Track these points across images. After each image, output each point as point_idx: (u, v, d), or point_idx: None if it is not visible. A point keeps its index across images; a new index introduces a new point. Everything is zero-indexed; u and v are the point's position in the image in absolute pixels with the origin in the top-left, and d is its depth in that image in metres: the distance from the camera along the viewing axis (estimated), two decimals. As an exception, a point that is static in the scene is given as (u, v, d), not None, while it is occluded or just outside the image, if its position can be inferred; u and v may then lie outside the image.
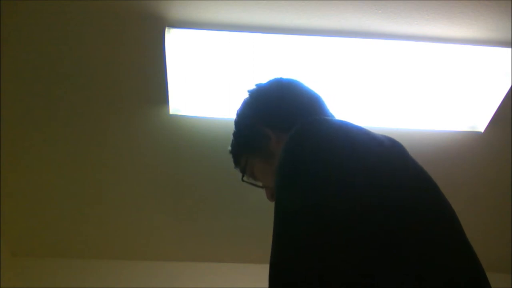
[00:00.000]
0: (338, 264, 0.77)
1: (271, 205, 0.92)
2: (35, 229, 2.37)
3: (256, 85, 1.31)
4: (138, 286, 2.49)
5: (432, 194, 0.94)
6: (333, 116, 1.24)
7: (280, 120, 1.21)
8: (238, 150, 1.31)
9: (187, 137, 2.00)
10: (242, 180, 1.30)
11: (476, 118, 1.97)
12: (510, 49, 1.75)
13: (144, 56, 1.74)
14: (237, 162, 1.33)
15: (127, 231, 2.39)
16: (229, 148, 1.35)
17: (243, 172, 1.29)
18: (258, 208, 2.26)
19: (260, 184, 1.29)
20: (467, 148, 2.05)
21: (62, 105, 1.88)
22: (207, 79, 1.83)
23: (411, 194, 0.89)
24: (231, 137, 1.34)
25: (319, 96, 1.27)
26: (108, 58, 1.75)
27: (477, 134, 2.00)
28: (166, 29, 1.66)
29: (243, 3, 1.61)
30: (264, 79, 1.34)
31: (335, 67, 1.79)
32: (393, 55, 1.77)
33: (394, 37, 1.71)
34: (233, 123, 1.33)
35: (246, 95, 1.31)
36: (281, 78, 1.31)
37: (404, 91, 1.88)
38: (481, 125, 1.97)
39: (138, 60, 1.75)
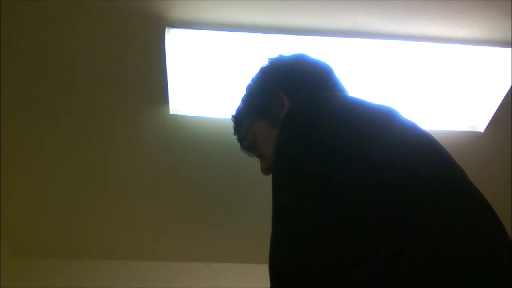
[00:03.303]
0: (348, 256, 0.73)
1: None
2: (35, 229, 2.37)
3: (279, 55, 1.28)
4: (138, 286, 2.49)
5: (442, 167, 0.88)
6: (344, 90, 1.21)
7: (297, 88, 1.17)
8: (244, 113, 1.26)
9: (187, 137, 2.00)
10: (242, 145, 1.26)
11: (476, 118, 1.97)
12: (510, 49, 1.75)
13: (144, 56, 1.74)
14: (238, 128, 1.28)
15: (127, 231, 2.39)
16: (233, 113, 1.30)
17: (244, 138, 1.25)
18: (259, 208, 2.26)
19: (259, 153, 1.24)
20: (467, 148, 2.05)
21: (61, 105, 1.88)
22: (207, 79, 1.83)
23: (420, 180, 0.83)
24: (239, 102, 1.29)
25: (329, 68, 1.24)
26: (108, 58, 1.75)
27: (477, 134, 2.00)
28: (166, 29, 1.66)
29: (243, 3, 1.61)
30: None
31: (335, 67, 1.79)
32: (393, 55, 1.77)
33: (394, 37, 1.71)
34: (246, 88, 1.29)
35: (266, 63, 1.27)
36: (303, 54, 1.27)
37: (404, 91, 1.88)
38: (481, 125, 1.97)
39: (138, 60, 1.76)
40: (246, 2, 1.61)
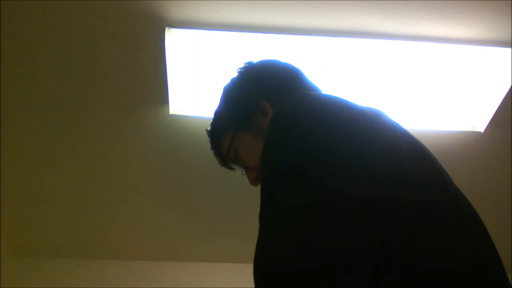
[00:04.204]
0: (349, 263, 0.72)
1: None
2: (35, 229, 2.37)
3: (246, 63, 1.25)
4: (138, 286, 2.49)
5: (432, 177, 0.87)
6: (317, 90, 1.19)
7: (277, 93, 1.14)
8: (224, 126, 1.21)
9: (187, 137, 2.00)
10: (225, 158, 1.21)
11: (476, 118, 1.97)
12: (510, 49, 1.75)
13: (144, 56, 1.74)
14: (218, 142, 1.23)
15: (128, 231, 2.39)
16: (208, 128, 1.25)
17: (227, 152, 1.20)
18: (259, 208, 2.26)
19: (244, 164, 1.20)
20: (467, 148, 2.05)
21: (61, 105, 1.88)
22: (207, 79, 1.83)
23: (406, 182, 0.82)
24: (213, 116, 1.26)
25: (299, 70, 1.22)
26: (108, 58, 1.75)
27: (477, 134, 2.00)
28: (166, 29, 1.66)
29: (244, 3, 1.61)
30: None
31: (335, 67, 1.79)
32: (393, 55, 1.77)
33: (394, 37, 1.71)
34: (219, 99, 1.25)
35: (235, 74, 1.24)
36: (271, 59, 1.26)
37: (404, 91, 1.88)
38: (481, 125, 1.97)
39: (138, 60, 1.76)
40: (246, 2, 1.61)
